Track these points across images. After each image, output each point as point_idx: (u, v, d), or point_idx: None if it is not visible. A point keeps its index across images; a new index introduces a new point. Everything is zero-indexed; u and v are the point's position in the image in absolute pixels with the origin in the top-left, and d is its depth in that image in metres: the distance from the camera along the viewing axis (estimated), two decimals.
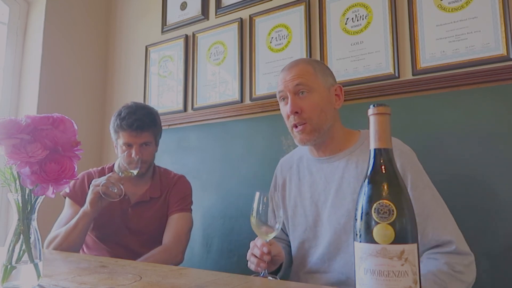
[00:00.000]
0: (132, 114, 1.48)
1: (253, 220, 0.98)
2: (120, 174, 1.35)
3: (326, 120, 1.15)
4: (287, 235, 1.30)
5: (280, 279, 1.11)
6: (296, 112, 1.13)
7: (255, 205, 0.98)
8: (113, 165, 1.64)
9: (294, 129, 1.17)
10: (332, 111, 1.18)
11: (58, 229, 1.42)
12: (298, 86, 1.14)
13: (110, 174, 1.38)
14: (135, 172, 1.37)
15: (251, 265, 1.04)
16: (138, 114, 1.49)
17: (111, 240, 1.51)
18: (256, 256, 1.02)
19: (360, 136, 1.20)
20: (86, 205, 1.35)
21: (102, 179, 1.34)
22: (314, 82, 1.15)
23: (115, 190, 1.33)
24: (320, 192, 1.19)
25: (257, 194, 0.99)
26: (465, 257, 1.01)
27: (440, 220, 1.03)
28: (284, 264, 1.17)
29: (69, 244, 1.35)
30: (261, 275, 0.97)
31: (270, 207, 0.98)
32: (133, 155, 1.46)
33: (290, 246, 1.28)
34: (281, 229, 1.29)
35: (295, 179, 1.27)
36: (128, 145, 1.49)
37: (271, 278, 0.96)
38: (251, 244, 1.06)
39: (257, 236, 1.03)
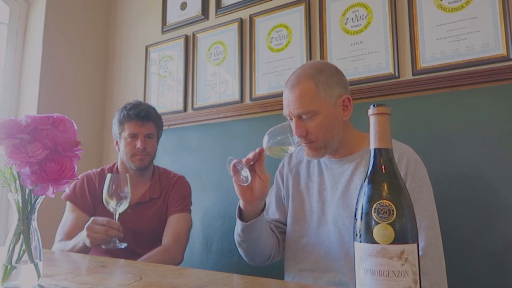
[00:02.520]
0: (138, 106, 1.57)
1: (272, 134, 1.04)
2: (112, 207, 1.24)
3: (333, 136, 1.15)
4: (283, 223, 1.28)
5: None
6: (302, 136, 1.13)
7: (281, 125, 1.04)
8: (113, 165, 1.65)
9: (302, 144, 1.17)
10: (340, 124, 1.16)
11: (63, 242, 1.41)
12: (300, 113, 1.13)
13: (108, 220, 1.23)
14: (120, 209, 1.24)
15: (237, 163, 1.04)
16: (144, 106, 1.58)
17: None
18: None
19: None
20: (87, 241, 1.25)
21: (102, 225, 1.22)
22: (317, 103, 1.12)
23: (118, 244, 1.23)
24: (327, 191, 1.19)
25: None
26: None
27: (422, 232, 1.02)
28: (261, 221, 1.13)
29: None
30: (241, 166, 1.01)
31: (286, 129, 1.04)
32: (138, 145, 1.49)
33: (277, 233, 1.27)
34: (277, 216, 1.29)
35: (304, 173, 1.27)
36: (133, 136, 1.52)
37: (245, 172, 1.00)
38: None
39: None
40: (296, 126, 1.13)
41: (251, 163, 1.04)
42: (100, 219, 1.24)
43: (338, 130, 1.15)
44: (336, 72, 1.18)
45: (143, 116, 1.53)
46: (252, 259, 1.23)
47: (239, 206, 1.13)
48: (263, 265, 1.26)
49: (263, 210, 1.14)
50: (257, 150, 1.04)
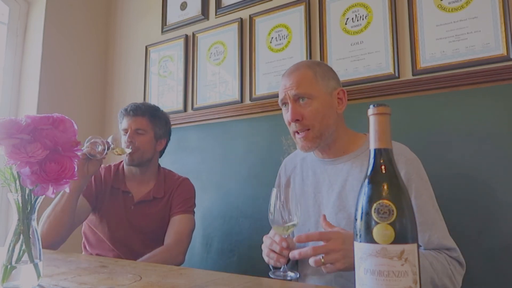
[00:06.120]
0: (134, 104, 1.62)
1: (271, 217, 1.00)
2: (110, 144, 1.37)
3: (328, 126, 1.14)
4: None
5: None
6: (297, 120, 1.13)
7: (272, 202, 1.00)
8: (119, 163, 1.66)
9: (296, 135, 1.16)
10: (335, 115, 1.16)
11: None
12: (297, 94, 1.13)
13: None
14: (127, 150, 1.44)
15: (270, 261, 1.04)
16: (139, 103, 1.63)
17: (114, 237, 1.52)
18: (275, 252, 1.02)
19: (366, 139, 1.19)
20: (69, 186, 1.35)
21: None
22: (314, 88, 1.13)
23: (99, 149, 1.32)
24: (323, 193, 1.18)
25: (274, 190, 1.01)
26: (462, 268, 1.05)
27: (444, 230, 1.06)
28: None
29: (56, 214, 1.33)
30: (281, 270, 0.98)
31: (277, 204, 0.99)
32: (126, 139, 1.53)
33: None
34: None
35: (298, 179, 1.27)
36: (126, 131, 1.56)
37: (291, 273, 0.98)
38: (266, 239, 1.06)
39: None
40: (292, 110, 1.13)
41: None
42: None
43: (333, 121, 1.16)
44: (331, 69, 1.23)
45: (130, 110, 1.57)
46: None
47: None
48: None
49: None
50: (284, 245, 1.00)
